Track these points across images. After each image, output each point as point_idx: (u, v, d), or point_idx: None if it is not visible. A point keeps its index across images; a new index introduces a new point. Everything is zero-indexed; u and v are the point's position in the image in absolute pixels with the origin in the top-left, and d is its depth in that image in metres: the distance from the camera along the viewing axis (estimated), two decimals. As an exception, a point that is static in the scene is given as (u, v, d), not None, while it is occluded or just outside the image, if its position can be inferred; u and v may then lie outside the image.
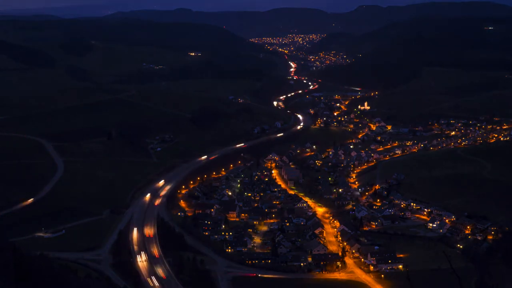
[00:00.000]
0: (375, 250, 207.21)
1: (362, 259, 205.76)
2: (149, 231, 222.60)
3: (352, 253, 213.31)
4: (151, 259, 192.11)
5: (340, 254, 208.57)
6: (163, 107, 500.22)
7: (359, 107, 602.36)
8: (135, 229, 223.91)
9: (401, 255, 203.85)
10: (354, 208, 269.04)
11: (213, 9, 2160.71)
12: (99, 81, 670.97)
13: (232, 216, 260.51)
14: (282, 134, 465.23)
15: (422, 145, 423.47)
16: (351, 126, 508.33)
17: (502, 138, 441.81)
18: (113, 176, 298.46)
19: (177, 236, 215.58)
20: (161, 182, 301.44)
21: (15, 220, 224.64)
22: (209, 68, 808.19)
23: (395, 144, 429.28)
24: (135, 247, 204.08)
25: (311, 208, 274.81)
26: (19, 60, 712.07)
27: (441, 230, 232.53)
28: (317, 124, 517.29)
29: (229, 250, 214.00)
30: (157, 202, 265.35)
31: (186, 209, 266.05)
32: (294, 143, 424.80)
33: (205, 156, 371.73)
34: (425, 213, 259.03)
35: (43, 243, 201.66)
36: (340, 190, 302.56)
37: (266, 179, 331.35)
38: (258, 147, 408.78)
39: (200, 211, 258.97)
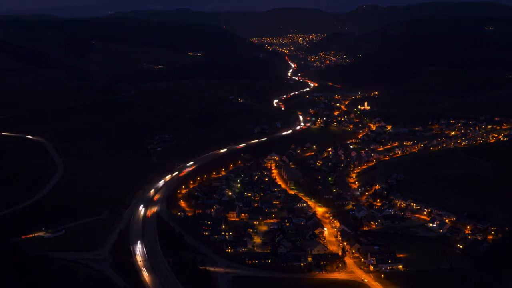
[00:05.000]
0: (375, 250, 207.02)
1: (362, 259, 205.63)
2: (149, 231, 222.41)
3: (352, 253, 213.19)
4: (151, 259, 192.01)
5: (340, 254, 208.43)
6: (163, 107, 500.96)
7: (359, 107, 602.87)
8: (135, 229, 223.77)
9: (401, 255, 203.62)
10: (354, 208, 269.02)
11: (213, 9, 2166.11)
12: (99, 81, 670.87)
13: (232, 216, 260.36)
14: (282, 134, 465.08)
15: (422, 145, 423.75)
16: (351, 126, 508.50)
17: (502, 138, 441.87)
18: (113, 176, 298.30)
19: (177, 236, 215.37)
20: (161, 182, 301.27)
21: (15, 220, 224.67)
22: (209, 68, 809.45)
23: (395, 144, 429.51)
24: (135, 247, 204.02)
25: (311, 208, 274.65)
26: (19, 60, 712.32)
27: (441, 230, 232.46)
28: (317, 124, 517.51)
29: (229, 250, 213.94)
30: (157, 202, 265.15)
31: (186, 209, 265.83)
32: (294, 143, 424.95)
33: (206, 155, 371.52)
34: (425, 213, 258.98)
35: (43, 243, 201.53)
36: (340, 190, 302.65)
37: (266, 179, 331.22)
38: (258, 147, 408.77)
39: (200, 211, 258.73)
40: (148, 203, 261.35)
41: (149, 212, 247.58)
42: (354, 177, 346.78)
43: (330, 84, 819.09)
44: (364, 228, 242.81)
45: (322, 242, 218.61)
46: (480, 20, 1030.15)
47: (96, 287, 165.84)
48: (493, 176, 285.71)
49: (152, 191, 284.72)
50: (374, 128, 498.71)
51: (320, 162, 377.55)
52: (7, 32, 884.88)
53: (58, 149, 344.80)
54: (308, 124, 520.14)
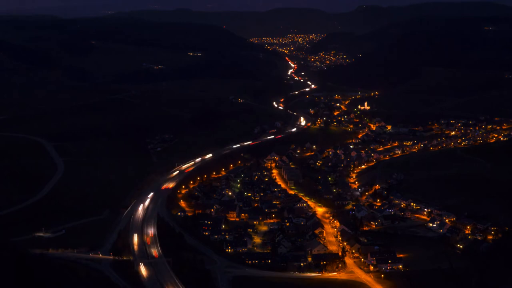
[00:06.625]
0: (375, 250, 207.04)
1: (362, 259, 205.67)
2: (149, 231, 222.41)
3: (352, 253, 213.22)
4: (151, 259, 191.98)
5: (340, 254, 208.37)
6: (163, 107, 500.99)
7: (359, 107, 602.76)
8: (135, 229, 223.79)
9: (401, 255, 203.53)
10: (354, 208, 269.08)
11: (213, 9, 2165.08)
12: (99, 81, 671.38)
13: (232, 216, 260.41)
14: (281, 135, 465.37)
15: (422, 145, 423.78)
16: (351, 126, 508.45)
17: (502, 138, 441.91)
18: (113, 176, 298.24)
19: (177, 236, 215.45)
20: (162, 182, 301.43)
21: (15, 220, 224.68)
22: (209, 68, 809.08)
23: (395, 144, 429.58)
24: (135, 247, 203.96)
25: (311, 208, 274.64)
26: (19, 60, 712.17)
27: (441, 230, 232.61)
28: (317, 124, 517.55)
29: (229, 250, 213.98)
30: (157, 202, 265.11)
31: (186, 209, 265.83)
32: (294, 143, 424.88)
33: (206, 156, 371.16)
34: (425, 213, 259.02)
35: (43, 243, 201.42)
36: (340, 190, 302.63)
37: (266, 179, 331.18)
38: (258, 147, 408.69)
39: (200, 211, 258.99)
40: (148, 203, 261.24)
41: (149, 212, 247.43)
42: (354, 177, 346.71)
43: (330, 84, 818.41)
44: (364, 228, 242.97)
45: (322, 242, 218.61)
46: (480, 20, 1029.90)
47: (96, 287, 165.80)
48: (493, 176, 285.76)
49: (152, 191, 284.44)
50: (374, 128, 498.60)
51: (320, 162, 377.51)
52: (7, 32, 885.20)
53: (58, 149, 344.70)
54: (309, 124, 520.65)
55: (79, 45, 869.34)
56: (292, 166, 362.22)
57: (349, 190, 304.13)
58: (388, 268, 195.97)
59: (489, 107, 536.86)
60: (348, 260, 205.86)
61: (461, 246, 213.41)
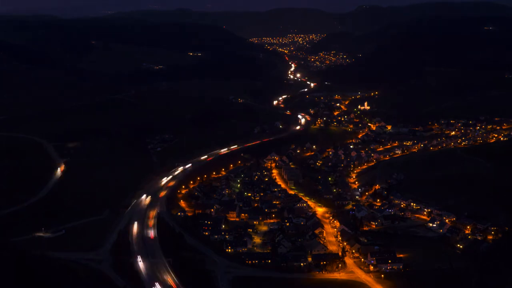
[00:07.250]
0: (375, 250, 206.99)
1: (362, 259, 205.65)
2: (149, 231, 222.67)
3: (352, 253, 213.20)
4: (151, 259, 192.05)
5: (340, 254, 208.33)
6: (163, 107, 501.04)
7: (359, 107, 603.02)
8: (135, 229, 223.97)
9: (401, 255, 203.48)
10: (354, 208, 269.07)
11: (213, 9, 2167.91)
12: (99, 81, 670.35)
13: (232, 216, 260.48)
14: (282, 135, 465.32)
15: (422, 145, 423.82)
16: (351, 126, 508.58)
17: (502, 138, 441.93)
18: (113, 176, 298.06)
19: (177, 236, 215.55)
20: (162, 182, 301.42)
21: (15, 220, 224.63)
22: (209, 68, 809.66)
23: (395, 144, 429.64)
24: (135, 247, 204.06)
25: (311, 208, 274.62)
26: (19, 60, 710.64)
27: (441, 230, 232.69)
28: (317, 124, 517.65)
29: (229, 250, 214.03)
30: (157, 202, 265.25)
31: (186, 209, 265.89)
32: (294, 143, 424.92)
33: (206, 156, 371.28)
34: (425, 213, 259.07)
35: (43, 243, 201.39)
36: (340, 190, 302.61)
37: (266, 179, 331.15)
38: (258, 147, 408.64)
39: (200, 211, 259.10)
40: (148, 203, 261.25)
41: (149, 212, 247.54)
42: (354, 177, 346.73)
43: (330, 84, 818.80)
44: (364, 228, 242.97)
45: (322, 242, 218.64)
46: (480, 20, 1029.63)
47: (96, 287, 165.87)
48: (493, 176, 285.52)
49: (152, 191, 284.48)
50: (374, 128, 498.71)
51: (320, 162, 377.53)
52: (7, 32, 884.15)
53: (58, 149, 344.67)
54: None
55: (79, 45, 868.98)
56: (292, 166, 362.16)
57: (349, 190, 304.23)
58: (388, 268, 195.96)
59: (489, 107, 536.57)
60: (348, 260, 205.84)
61: (461, 246, 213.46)
